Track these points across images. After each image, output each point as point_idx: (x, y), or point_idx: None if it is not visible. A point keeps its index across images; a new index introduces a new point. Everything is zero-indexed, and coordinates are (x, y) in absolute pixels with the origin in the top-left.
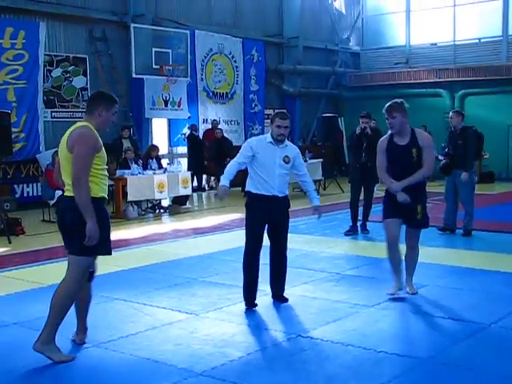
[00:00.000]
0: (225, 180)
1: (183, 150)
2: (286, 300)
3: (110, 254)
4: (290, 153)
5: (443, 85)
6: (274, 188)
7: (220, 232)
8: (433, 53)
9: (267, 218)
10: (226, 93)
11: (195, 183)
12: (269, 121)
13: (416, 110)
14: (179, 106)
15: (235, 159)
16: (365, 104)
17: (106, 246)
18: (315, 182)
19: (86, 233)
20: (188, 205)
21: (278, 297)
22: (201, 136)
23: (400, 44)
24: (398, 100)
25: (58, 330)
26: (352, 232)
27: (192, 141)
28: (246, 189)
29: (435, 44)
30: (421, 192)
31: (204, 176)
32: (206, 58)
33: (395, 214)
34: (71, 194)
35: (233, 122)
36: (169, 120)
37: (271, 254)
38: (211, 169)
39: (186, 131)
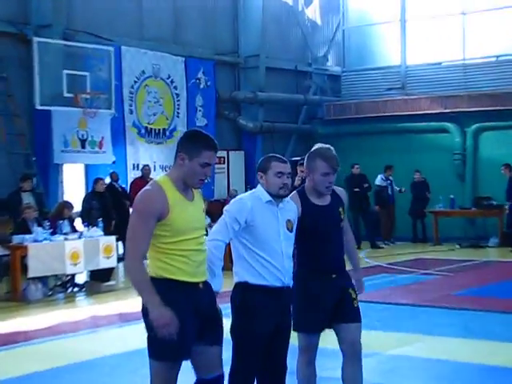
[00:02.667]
0: (216, 283)
1: None
2: None
3: (186, 358)
4: (291, 214)
5: (451, 117)
6: (283, 273)
7: None
8: (437, 75)
9: (273, 325)
10: (164, 129)
11: (121, 250)
12: (222, 167)
13: (415, 149)
14: (100, 147)
15: (217, 236)
16: (348, 143)
17: (178, 349)
18: None
19: (151, 324)
20: (112, 281)
21: None
22: (128, 187)
23: (393, 64)
24: (327, 145)
25: None
26: None
27: (113, 194)
28: (239, 279)
29: (439, 63)
30: (346, 269)
31: None
32: (136, 83)
33: (321, 323)
34: (152, 274)
35: None
36: (86, 166)
37: (262, 377)
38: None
39: (108, 181)
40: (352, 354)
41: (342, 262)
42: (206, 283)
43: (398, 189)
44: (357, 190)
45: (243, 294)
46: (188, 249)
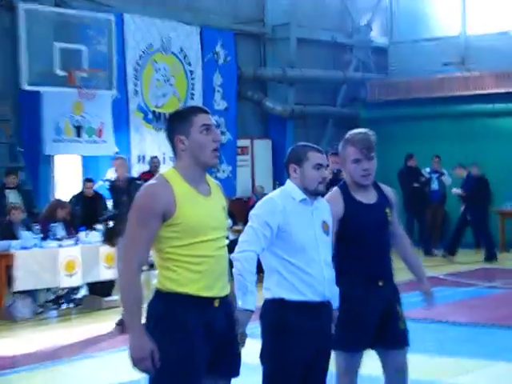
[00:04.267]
0: (250, 300)
1: (107, 205)
2: None
3: None
4: (325, 214)
5: None
6: (323, 285)
7: None
8: (504, 47)
9: (314, 349)
10: None
11: None
12: (245, 159)
13: (478, 136)
14: (100, 135)
15: (246, 247)
16: (396, 129)
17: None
18: None
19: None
20: (115, 296)
21: None
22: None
23: (451, 34)
24: (364, 130)
25: None
26: None
27: (120, 192)
28: (273, 296)
29: (506, 33)
30: (393, 280)
31: None
32: (142, 58)
33: (364, 341)
34: (159, 286)
35: None
36: (83, 158)
37: None
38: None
39: (112, 175)
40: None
41: (389, 268)
42: (224, 301)
43: (447, 179)
44: (417, 185)
45: (278, 312)
46: (203, 254)
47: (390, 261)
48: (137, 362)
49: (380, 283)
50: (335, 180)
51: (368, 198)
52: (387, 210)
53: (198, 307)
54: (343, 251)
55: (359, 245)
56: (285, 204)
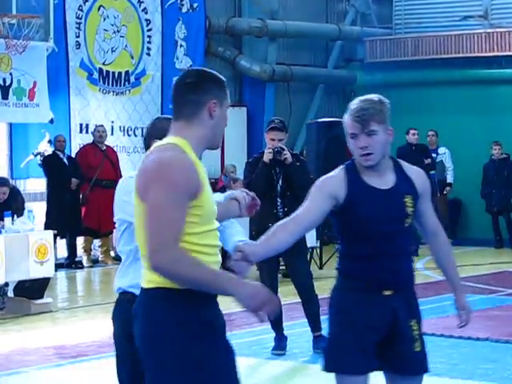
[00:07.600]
0: None
1: (39, 185)
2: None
3: None
4: None
5: None
6: None
7: (110, 353)
8: None
9: None
10: (127, 73)
11: (63, 252)
12: None
13: (501, 108)
14: (31, 97)
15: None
16: (401, 97)
17: None
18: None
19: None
20: (47, 298)
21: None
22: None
23: None
24: (375, 96)
25: None
26: (280, 349)
27: (56, 168)
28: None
29: None
30: (415, 295)
31: (81, 238)
32: (86, 2)
33: (364, 362)
34: (149, 285)
35: (138, 131)
36: (10, 126)
37: None
38: (93, 221)
39: (46, 148)
40: None
41: (401, 274)
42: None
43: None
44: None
45: None
46: (215, 244)
47: (406, 265)
48: (260, 307)
49: (386, 292)
50: (275, 160)
51: (382, 181)
52: (407, 199)
53: (217, 305)
54: (344, 248)
55: (363, 240)
56: None
